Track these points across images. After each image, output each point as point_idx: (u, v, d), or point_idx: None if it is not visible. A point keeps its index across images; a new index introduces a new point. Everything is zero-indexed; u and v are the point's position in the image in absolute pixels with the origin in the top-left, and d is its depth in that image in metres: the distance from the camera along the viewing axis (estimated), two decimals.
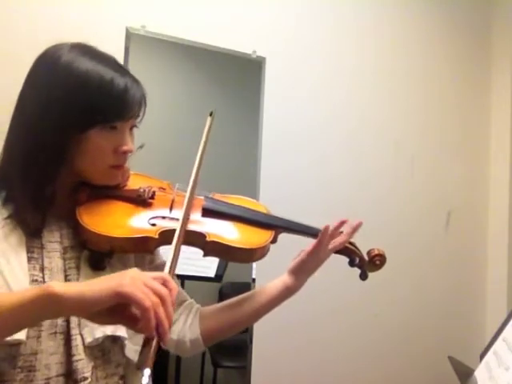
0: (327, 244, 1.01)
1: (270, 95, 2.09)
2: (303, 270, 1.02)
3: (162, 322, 0.63)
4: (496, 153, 2.60)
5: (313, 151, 2.19)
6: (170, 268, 0.75)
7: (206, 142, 1.01)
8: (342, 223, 1.02)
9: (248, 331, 2.02)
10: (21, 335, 0.74)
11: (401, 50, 2.43)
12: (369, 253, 1.09)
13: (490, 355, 1.00)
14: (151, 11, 1.91)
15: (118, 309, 0.65)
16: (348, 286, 2.14)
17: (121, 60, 1.76)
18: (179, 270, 2.06)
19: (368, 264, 1.08)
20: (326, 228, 0.99)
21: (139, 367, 0.61)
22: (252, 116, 2.11)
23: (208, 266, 2.01)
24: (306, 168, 2.17)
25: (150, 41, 1.91)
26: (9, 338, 0.72)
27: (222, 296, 2.11)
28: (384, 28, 2.39)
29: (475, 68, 2.63)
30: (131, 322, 0.65)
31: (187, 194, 0.91)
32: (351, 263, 1.09)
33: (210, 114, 1.07)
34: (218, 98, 2.19)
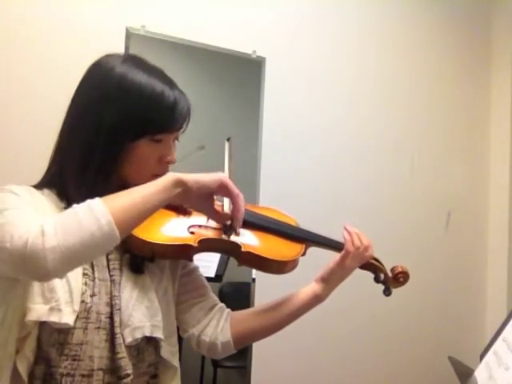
0: (353, 254, 1.06)
1: (269, 95, 2.09)
2: (331, 279, 1.08)
3: (241, 209, 0.86)
4: (496, 153, 2.60)
5: (313, 151, 2.19)
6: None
7: (230, 169, 1.04)
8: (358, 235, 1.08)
9: None
10: (69, 319, 0.78)
11: (401, 49, 2.43)
12: (393, 270, 1.15)
13: (490, 355, 1.00)
14: (151, 11, 1.91)
15: (210, 200, 0.86)
16: (348, 287, 2.14)
17: None
18: None
19: (392, 280, 1.15)
20: (348, 234, 1.07)
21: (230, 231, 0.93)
22: (252, 116, 2.11)
23: (208, 266, 2.01)
24: (306, 168, 2.17)
25: (150, 41, 1.91)
26: (58, 322, 0.78)
27: (222, 296, 2.11)
28: (384, 27, 2.39)
29: (475, 66, 2.63)
30: (214, 213, 0.89)
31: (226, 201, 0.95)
32: (376, 279, 1.15)
33: (228, 140, 1.10)
34: (218, 98, 2.19)
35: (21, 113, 1.67)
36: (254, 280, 2.01)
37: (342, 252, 1.06)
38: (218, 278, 2.02)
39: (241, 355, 2.08)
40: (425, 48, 2.49)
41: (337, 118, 2.25)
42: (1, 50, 1.69)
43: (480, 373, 1.00)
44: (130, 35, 1.85)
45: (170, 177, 0.80)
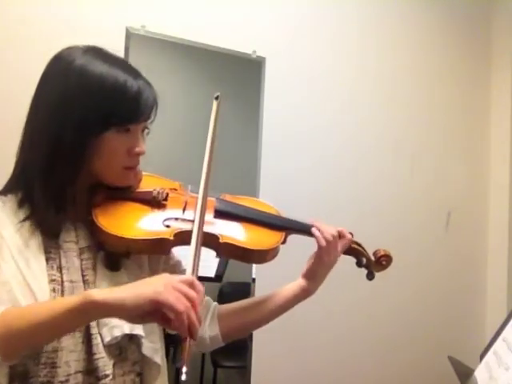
0: (328, 248, 1.03)
1: (270, 95, 2.09)
2: (315, 274, 1.05)
3: (194, 324, 0.69)
4: (496, 153, 2.60)
5: (313, 151, 2.19)
6: (193, 269, 0.78)
7: (215, 131, 1.00)
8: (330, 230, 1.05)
9: None
10: None
11: (401, 49, 2.43)
12: (375, 253, 1.11)
13: (490, 355, 1.00)
14: (151, 11, 1.91)
15: (153, 311, 0.70)
16: (348, 286, 2.15)
17: None
18: None
19: (375, 264, 1.11)
20: (317, 230, 1.03)
21: (177, 366, 0.67)
22: (252, 116, 2.11)
23: (208, 266, 2.01)
24: (306, 168, 2.17)
25: (150, 41, 1.91)
26: None
27: (222, 296, 2.11)
28: (384, 27, 2.39)
29: (475, 66, 2.63)
30: (165, 322, 0.71)
31: (200, 193, 0.93)
32: (358, 264, 1.12)
33: (216, 98, 1.05)
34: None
35: (21, 113, 1.67)
36: (253, 280, 2.01)
37: (316, 250, 1.04)
38: (218, 278, 2.02)
39: (241, 355, 2.08)
40: (425, 48, 2.49)
41: (337, 118, 2.25)
42: (1, 50, 1.69)
43: (480, 373, 1.00)
44: (129, 35, 1.85)
45: (82, 296, 0.70)
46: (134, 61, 1.82)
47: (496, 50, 2.64)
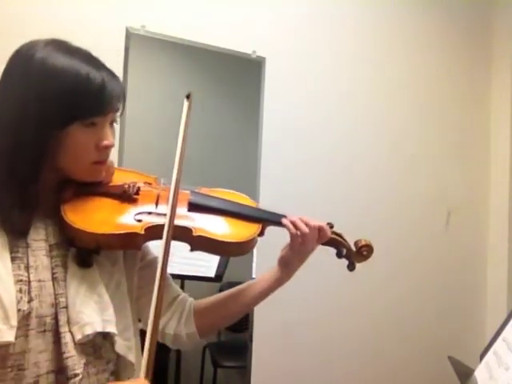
0: (300, 240, 1.01)
1: (269, 95, 2.09)
2: (289, 264, 1.04)
3: None
4: (496, 153, 2.60)
5: (312, 150, 2.19)
6: (162, 270, 0.78)
7: (185, 129, 0.95)
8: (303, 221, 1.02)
9: (248, 331, 2.02)
10: (9, 337, 0.75)
11: (401, 50, 2.43)
12: (356, 243, 1.09)
13: (490, 355, 1.00)
14: (151, 11, 1.90)
15: None
16: (348, 285, 2.15)
17: (121, 60, 1.77)
18: (179, 270, 2.06)
19: (355, 255, 1.08)
20: (287, 222, 1.01)
21: None
22: (252, 116, 2.11)
23: (208, 266, 2.01)
24: (306, 168, 2.17)
25: (150, 41, 1.91)
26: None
27: None
28: (384, 28, 2.39)
29: (475, 68, 2.63)
30: None
31: (172, 188, 0.90)
32: (339, 254, 1.09)
33: (187, 97, 0.99)
34: (218, 98, 2.19)
35: None
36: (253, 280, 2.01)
37: (289, 243, 1.02)
38: (217, 278, 2.02)
39: (241, 355, 2.08)
40: (425, 50, 2.49)
41: (336, 118, 2.25)
42: (1, 49, 1.69)
43: (480, 373, 1.00)
44: (129, 35, 1.85)
45: None
46: (133, 61, 1.84)
47: (496, 53, 2.64)
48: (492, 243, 2.57)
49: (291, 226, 1.01)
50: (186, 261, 1.92)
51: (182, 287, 1.84)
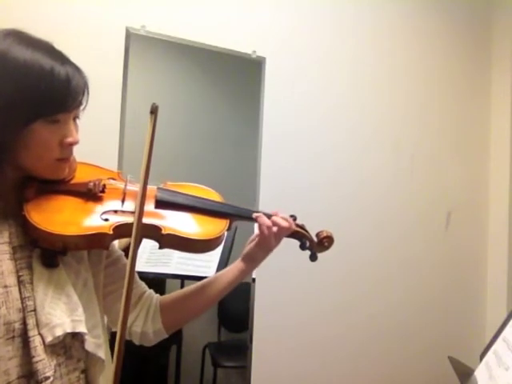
0: (267, 233, 1.02)
1: (269, 95, 2.09)
2: (254, 257, 1.06)
3: None
4: (496, 153, 2.60)
5: (312, 151, 2.19)
6: (130, 269, 0.78)
7: (151, 145, 0.89)
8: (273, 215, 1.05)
9: (248, 331, 2.02)
10: None
11: (400, 50, 2.43)
12: (318, 235, 1.11)
13: (490, 355, 1.00)
14: (151, 11, 1.91)
15: None
16: (348, 285, 2.15)
17: (121, 60, 1.77)
18: (179, 270, 2.06)
19: (317, 246, 1.11)
20: (260, 218, 1.03)
21: None
22: (252, 116, 2.11)
23: (208, 266, 2.01)
24: (306, 167, 2.17)
25: (150, 41, 1.91)
26: None
27: None
28: (384, 28, 2.39)
29: (475, 68, 2.63)
30: None
31: (140, 188, 0.86)
32: (302, 246, 1.11)
33: (152, 112, 0.88)
34: (218, 98, 2.19)
35: None
36: (254, 280, 2.01)
37: (258, 235, 1.03)
38: None
39: (241, 355, 2.08)
40: (425, 50, 2.49)
41: (337, 118, 2.25)
42: None
43: (480, 373, 1.00)
44: (129, 35, 1.85)
45: None
46: (133, 61, 1.84)
47: (496, 53, 2.64)
48: (492, 243, 2.58)
49: (259, 220, 1.02)
50: (185, 261, 1.92)
51: (182, 287, 1.84)
